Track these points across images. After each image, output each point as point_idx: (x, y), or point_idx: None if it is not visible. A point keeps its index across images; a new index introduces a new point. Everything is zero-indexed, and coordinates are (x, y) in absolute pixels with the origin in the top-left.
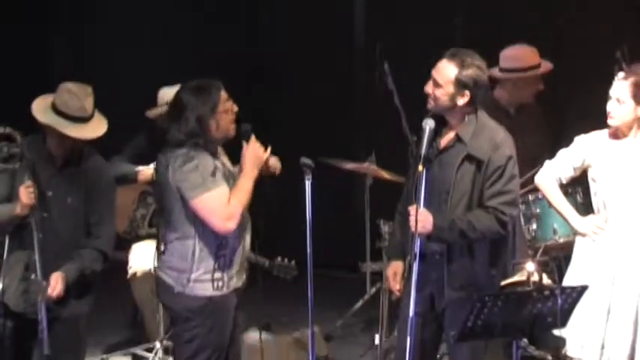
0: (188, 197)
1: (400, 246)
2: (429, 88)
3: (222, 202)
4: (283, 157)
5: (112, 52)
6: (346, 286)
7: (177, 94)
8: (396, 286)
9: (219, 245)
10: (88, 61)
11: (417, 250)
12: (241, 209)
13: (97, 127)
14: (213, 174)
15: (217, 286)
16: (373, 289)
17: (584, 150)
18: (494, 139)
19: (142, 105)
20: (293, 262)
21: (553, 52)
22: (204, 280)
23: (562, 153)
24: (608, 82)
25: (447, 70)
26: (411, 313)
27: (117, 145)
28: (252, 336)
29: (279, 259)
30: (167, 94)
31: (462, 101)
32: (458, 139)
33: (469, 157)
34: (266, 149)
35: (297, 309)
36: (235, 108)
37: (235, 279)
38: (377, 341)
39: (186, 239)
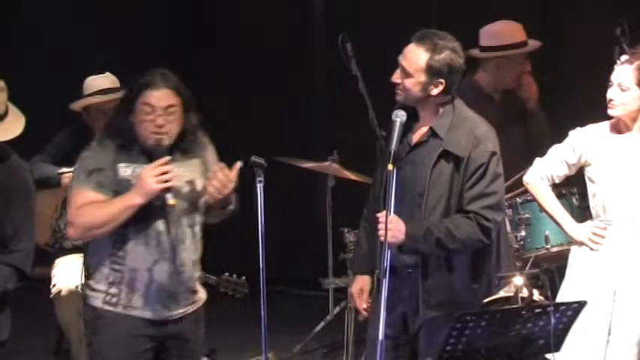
0: None
1: (367, 258)
2: (396, 77)
3: (73, 205)
4: (231, 154)
5: (34, 38)
6: (305, 305)
7: None
8: (362, 304)
9: (112, 255)
10: (7, 49)
11: (386, 263)
12: (87, 222)
13: (10, 128)
14: (90, 173)
15: (109, 300)
16: (337, 309)
17: (580, 145)
18: (474, 133)
19: (67, 96)
20: (243, 278)
21: (543, 32)
22: (98, 289)
23: (554, 149)
24: (608, 65)
25: (416, 56)
26: (381, 336)
27: (39, 143)
28: None
29: (227, 274)
30: (94, 83)
31: (435, 91)
32: (432, 133)
33: (446, 154)
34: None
35: (248, 332)
36: (159, 122)
37: (142, 308)
38: None
39: None
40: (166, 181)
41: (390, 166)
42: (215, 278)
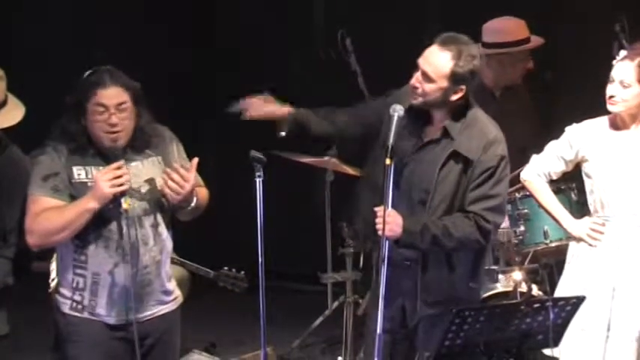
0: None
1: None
2: (416, 81)
3: (32, 211)
4: (230, 149)
5: (34, 31)
6: (304, 300)
7: None
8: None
9: (75, 260)
10: (7, 40)
11: (385, 256)
12: (45, 229)
13: (9, 115)
14: (46, 179)
15: (75, 306)
16: (335, 304)
17: (577, 141)
18: (486, 136)
19: (66, 90)
20: (242, 273)
21: (541, 28)
22: (66, 295)
23: (551, 145)
24: (606, 62)
25: (440, 61)
26: (379, 329)
27: (38, 137)
28: (195, 358)
29: (225, 268)
30: None
31: (455, 97)
32: (445, 133)
33: (455, 155)
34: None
35: (247, 327)
36: (112, 120)
37: (106, 314)
38: None
39: None
40: (120, 185)
41: (387, 161)
42: (214, 272)
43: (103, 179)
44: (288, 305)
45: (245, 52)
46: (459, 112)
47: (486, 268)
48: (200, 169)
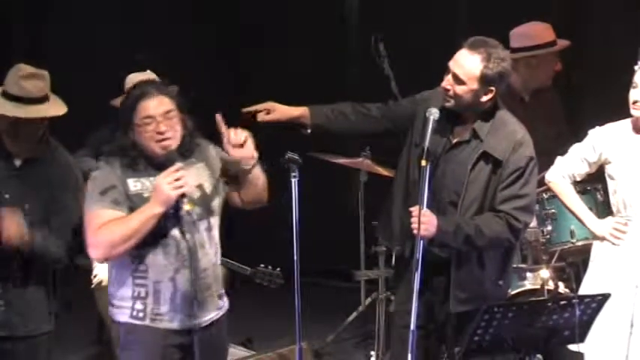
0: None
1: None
2: (447, 84)
3: (92, 226)
4: (265, 150)
5: (75, 34)
6: (338, 296)
7: None
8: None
9: (134, 270)
10: (47, 45)
11: (419, 255)
12: (110, 240)
13: (52, 108)
14: (104, 192)
15: (136, 315)
16: (369, 300)
17: (600, 144)
18: (514, 138)
19: (108, 92)
20: (278, 270)
21: (566, 33)
22: (123, 306)
23: (575, 148)
24: (631, 67)
25: (470, 64)
26: (412, 325)
27: (80, 138)
28: (232, 352)
29: (262, 265)
30: (135, 80)
31: (485, 98)
32: (474, 134)
33: (485, 156)
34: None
35: (283, 322)
36: (161, 128)
37: (169, 320)
38: (373, 359)
39: None
40: (181, 187)
41: (423, 162)
42: (251, 269)
43: (164, 182)
44: (323, 301)
45: (280, 51)
46: (487, 113)
47: (514, 266)
48: None
